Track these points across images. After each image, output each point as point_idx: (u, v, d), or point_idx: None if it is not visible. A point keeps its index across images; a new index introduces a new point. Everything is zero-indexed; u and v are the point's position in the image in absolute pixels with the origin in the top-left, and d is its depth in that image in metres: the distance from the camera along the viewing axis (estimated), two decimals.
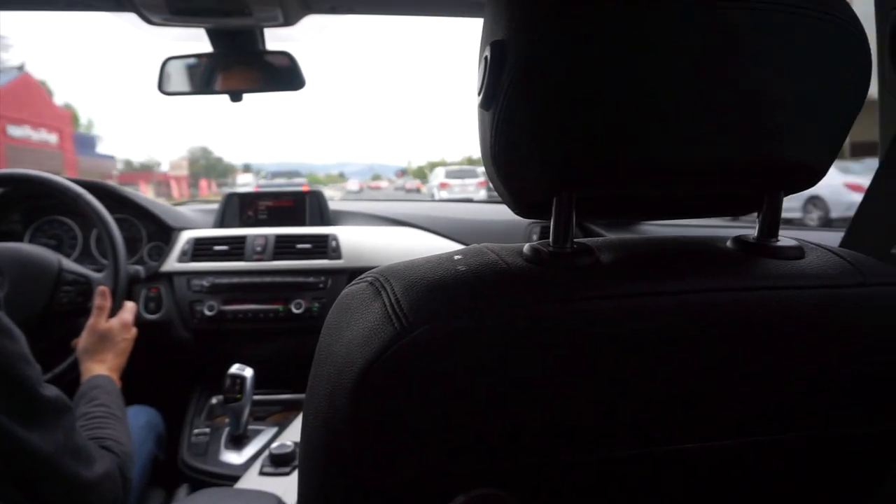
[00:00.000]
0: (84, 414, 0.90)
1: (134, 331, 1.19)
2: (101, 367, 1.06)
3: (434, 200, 6.36)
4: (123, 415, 0.96)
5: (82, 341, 1.11)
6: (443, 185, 17.04)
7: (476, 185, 16.41)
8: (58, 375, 1.16)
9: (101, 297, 1.16)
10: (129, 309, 1.22)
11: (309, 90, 1.33)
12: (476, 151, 0.44)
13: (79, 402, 0.94)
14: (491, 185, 0.45)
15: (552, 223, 0.41)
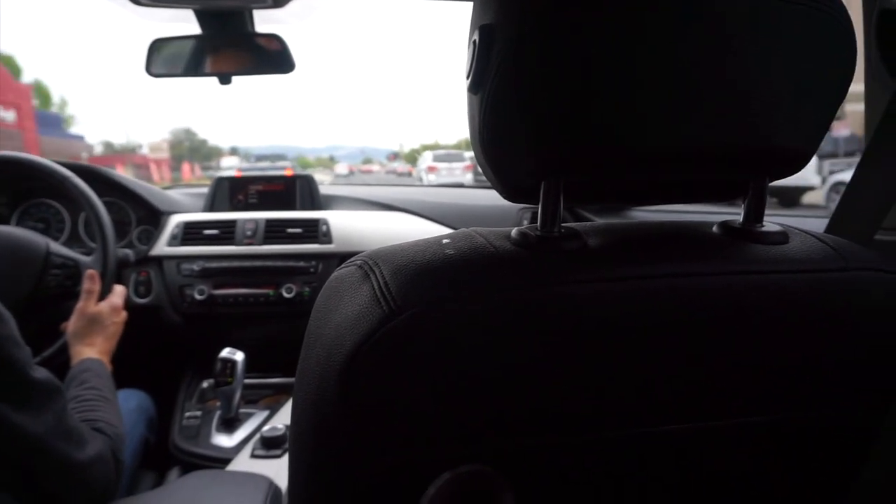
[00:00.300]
0: (75, 397, 0.90)
1: (123, 314, 1.19)
2: (91, 351, 1.06)
3: (423, 185, 6.37)
4: (114, 397, 0.96)
5: (72, 325, 1.11)
6: (431, 169, 17.45)
7: (463, 169, 16.84)
8: (47, 359, 1.15)
9: (90, 281, 1.15)
10: (118, 292, 1.22)
11: (299, 73, 1.31)
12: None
13: (69, 385, 0.94)
14: (479, 168, 0.45)
15: (540, 208, 0.42)
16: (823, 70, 0.39)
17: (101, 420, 0.85)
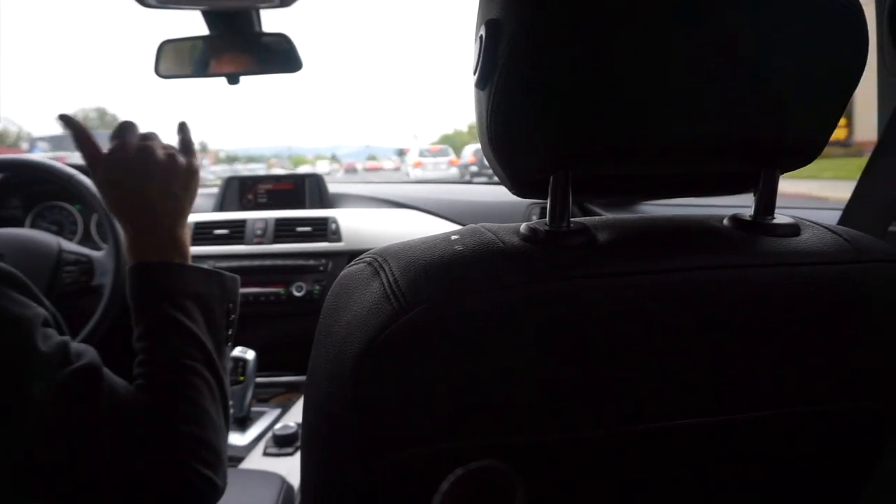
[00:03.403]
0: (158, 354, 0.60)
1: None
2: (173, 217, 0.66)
3: (413, 182, 6.41)
4: (222, 341, 0.64)
5: (107, 173, 0.67)
6: (417, 164, 18.24)
7: (447, 164, 17.43)
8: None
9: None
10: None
11: (302, 72, 1.31)
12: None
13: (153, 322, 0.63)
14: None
15: (549, 202, 0.42)
16: (833, 60, 0.39)
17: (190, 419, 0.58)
